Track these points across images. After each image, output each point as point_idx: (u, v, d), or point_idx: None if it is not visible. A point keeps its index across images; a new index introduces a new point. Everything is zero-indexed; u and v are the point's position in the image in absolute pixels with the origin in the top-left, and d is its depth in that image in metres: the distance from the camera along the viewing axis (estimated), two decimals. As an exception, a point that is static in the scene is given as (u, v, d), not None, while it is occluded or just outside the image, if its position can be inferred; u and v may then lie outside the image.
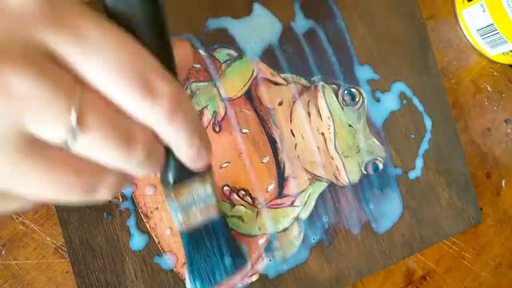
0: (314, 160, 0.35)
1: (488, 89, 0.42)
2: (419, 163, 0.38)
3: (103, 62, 0.13)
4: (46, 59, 0.13)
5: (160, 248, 0.31)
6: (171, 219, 0.31)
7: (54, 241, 0.30)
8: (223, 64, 0.34)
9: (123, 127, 0.14)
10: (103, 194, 0.15)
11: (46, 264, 0.30)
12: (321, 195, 0.35)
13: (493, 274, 0.40)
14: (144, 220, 0.31)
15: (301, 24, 0.36)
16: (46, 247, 0.30)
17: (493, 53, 0.41)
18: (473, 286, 0.40)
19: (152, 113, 0.14)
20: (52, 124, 0.13)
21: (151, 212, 0.31)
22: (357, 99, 0.37)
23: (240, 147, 0.33)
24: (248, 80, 0.34)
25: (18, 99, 0.13)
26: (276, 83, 0.35)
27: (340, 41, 0.37)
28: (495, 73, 0.43)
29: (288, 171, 0.34)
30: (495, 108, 0.42)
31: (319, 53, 0.36)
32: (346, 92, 0.36)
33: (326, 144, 0.35)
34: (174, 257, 0.31)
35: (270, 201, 0.34)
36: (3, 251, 0.29)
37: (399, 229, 0.37)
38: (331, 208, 0.35)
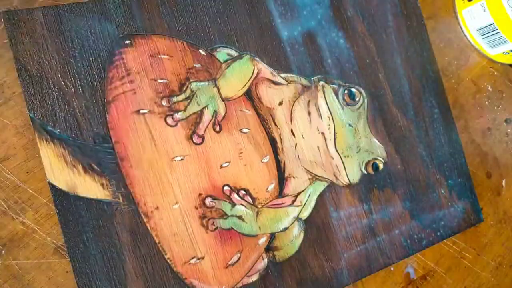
0: (314, 160, 0.35)
1: (488, 88, 0.42)
2: (418, 162, 0.38)
3: None
4: None
5: (160, 249, 0.31)
6: (171, 220, 0.31)
7: (54, 241, 0.30)
8: (223, 64, 0.34)
9: None
10: None
11: (46, 264, 0.30)
12: (321, 195, 0.35)
13: (494, 274, 0.40)
14: (144, 220, 0.31)
15: (301, 23, 0.36)
16: (46, 247, 0.30)
17: (493, 52, 0.41)
18: (473, 286, 0.40)
19: None
20: None
21: (151, 212, 0.31)
22: (357, 99, 0.37)
23: (240, 147, 0.33)
24: (248, 80, 0.34)
25: None
26: (276, 83, 0.35)
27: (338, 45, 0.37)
28: (495, 73, 0.43)
29: (288, 171, 0.34)
30: (495, 108, 0.42)
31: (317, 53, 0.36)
32: (346, 91, 0.36)
33: (326, 144, 0.35)
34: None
35: (270, 201, 0.34)
36: (3, 251, 0.29)
37: (399, 229, 0.37)
38: (331, 208, 0.35)
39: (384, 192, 0.37)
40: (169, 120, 0.32)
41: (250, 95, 0.34)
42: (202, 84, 0.33)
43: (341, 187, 0.36)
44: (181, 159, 0.32)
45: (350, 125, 0.36)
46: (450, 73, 0.41)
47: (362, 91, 0.37)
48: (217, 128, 0.33)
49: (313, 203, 0.35)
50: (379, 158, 0.37)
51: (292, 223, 0.34)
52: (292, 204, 0.34)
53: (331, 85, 0.36)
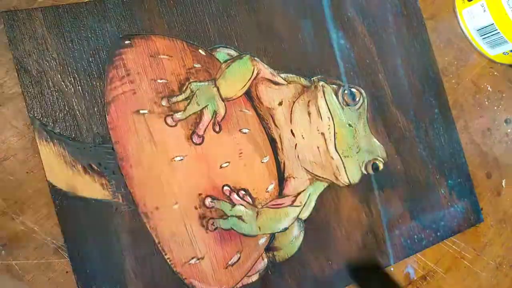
0: (314, 160, 0.35)
1: (488, 89, 0.42)
2: (418, 162, 0.38)
3: None
4: None
5: (160, 249, 0.31)
6: (171, 220, 0.31)
7: (54, 241, 0.30)
8: (223, 64, 0.34)
9: None
10: None
11: (46, 264, 0.30)
12: (321, 195, 0.35)
13: (493, 274, 0.40)
14: (144, 220, 0.31)
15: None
16: (46, 247, 0.30)
17: (493, 53, 0.41)
18: (473, 286, 0.40)
19: None
20: None
21: (151, 212, 0.31)
22: (357, 99, 0.37)
23: (240, 147, 0.33)
24: (248, 80, 0.34)
25: None
26: (276, 83, 0.35)
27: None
28: (495, 73, 0.43)
29: (288, 171, 0.34)
30: (495, 108, 0.42)
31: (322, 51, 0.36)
32: (346, 92, 0.36)
33: (326, 144, 0.35)
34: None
35: (270, 201, 0.34)
36: (3, 251, 0.29)
37: (399, 229, 0.37)
38: (331, 208, 0.35)
39: (384, 192, 0.37)
40: (169, 120, 0.32)
41: (250, 95, 0.34)
42: (201, 84, 0.33)
43: (341, 187, 0.36)
44: (181, 159, 0.32)
45: (350, 125, 0.36)
46: (450, 73, 0.41)
47: (362, 91, 0.37)
48: (217, 128, 0.33)
49: (313, 203, 0.35)
50: (379, 158, 0.37)
51: (292, 223, 0.34)
52: (292, 205, 0.34)
53: (331, 85, 0.36)
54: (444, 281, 0.39)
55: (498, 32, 0.39)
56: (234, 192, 0.33)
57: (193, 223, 0.32)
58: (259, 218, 0.33)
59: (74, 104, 0.30)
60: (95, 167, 0.30)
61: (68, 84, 0.30)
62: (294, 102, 0.35)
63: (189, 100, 0.33)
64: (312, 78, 0.36)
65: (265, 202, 0.34)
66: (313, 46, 0.36)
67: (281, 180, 0.34)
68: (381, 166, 0.37)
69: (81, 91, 0.31)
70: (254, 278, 0.33)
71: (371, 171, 0.36)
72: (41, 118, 0.30)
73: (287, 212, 0.34)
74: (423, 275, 0.38)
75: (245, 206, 0.33)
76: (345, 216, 0.35)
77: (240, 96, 0.34)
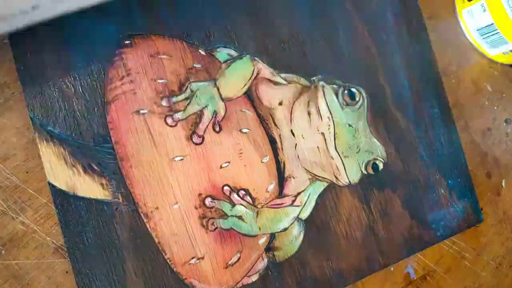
0: (314, 160, 0.35)
1: (488, 89, 0.42)
2: (418, 163, 0.38)
3: None
4: None
5: (160, 249, 0.31)
6: (171, 220, 0.31)
7: (54, 241, 0.30)
8: (223, 64, 0.34)
9: None
10: None
11: (46, 264, 0.30)
12: (321, 195, 0.35)
13: (493, 274, 0.40)
14: (144, 220, 0.31)
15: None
16: (46, 247, 0.30)
17: (493, 53, 0.41)
18: (473, 286, 0.40)
19: None
20: None
21: (151, 212, 0.31)
22: (357, 99, 0.37)
23: (240, 147, 0.33)
24: (248, 80, 0.34)
25: None
26: (276, 83, 0.35)
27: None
28: (495, 73, 0.43)
29: (288, 171, 0.34)
30: (495, 108, 0.42)
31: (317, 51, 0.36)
32: (346, 91, 0.36)
33: (326, 144, 0.35)
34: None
35: (270, 201, 0.34)
36: (3, 251, 0.29)
37: (399, 229, 0.37)
38: (331, 208, 0.35)
39: (384, 192, 0.37)
40: (169, 120, 0.32)
41: (250, 95, 0.34)
42: (202, 84, 0.33)
43: (341, 187, 0.36)
44: (181, 159, 0.32)
45: (350, 125, 0.36)
46: (450, 73, 0.41)
47: (362, 91, 0.37)
48: (217, 128, 0.33)
49: (313, 203, 0.35)
50: (379, 158, 0.37)
51: (292, 223, 0.34)
52: (292, 204, 0.34)
53: (331, 85, 0.36)
54: (444, 281, 0.39)
55: (498, 32, 0.39)
56: (234, 192, 0.33)
57: (193, 223, 0.32)
58: (259, 218, 0.33)
59: (74, 104, 0.30)
60: (95, 167, 0.30)
61: (68, 84, 0.30)
62: (294, 102, 0.35)
63: (189, 100, 0.33)
64: (312, 78, 0.36)
65: (265, 202, 0.34)
66: (313, 46, 0.36)
67: (281, 180, 0.34)
68: (381, 165, 0.37)
69: (81, 91, 0.31)
70: (254, 278, 0.33)
71: (371, 171, 0.36)
72: (41, 118, 0.30)
73: (287, 212, 0.34)
74: (423, 275, 0.38)
75: (245, 206, 0.33)
76: (345, 216, 0.35)
77: (240, 96, 0.34)
